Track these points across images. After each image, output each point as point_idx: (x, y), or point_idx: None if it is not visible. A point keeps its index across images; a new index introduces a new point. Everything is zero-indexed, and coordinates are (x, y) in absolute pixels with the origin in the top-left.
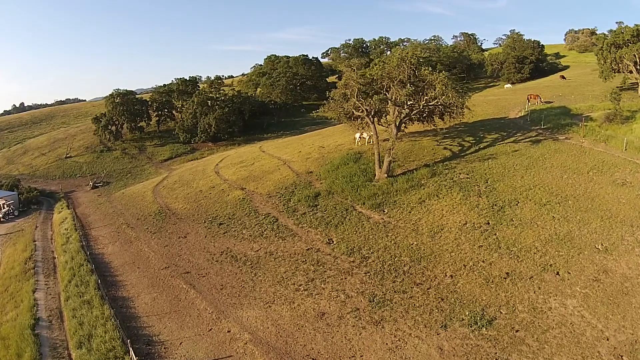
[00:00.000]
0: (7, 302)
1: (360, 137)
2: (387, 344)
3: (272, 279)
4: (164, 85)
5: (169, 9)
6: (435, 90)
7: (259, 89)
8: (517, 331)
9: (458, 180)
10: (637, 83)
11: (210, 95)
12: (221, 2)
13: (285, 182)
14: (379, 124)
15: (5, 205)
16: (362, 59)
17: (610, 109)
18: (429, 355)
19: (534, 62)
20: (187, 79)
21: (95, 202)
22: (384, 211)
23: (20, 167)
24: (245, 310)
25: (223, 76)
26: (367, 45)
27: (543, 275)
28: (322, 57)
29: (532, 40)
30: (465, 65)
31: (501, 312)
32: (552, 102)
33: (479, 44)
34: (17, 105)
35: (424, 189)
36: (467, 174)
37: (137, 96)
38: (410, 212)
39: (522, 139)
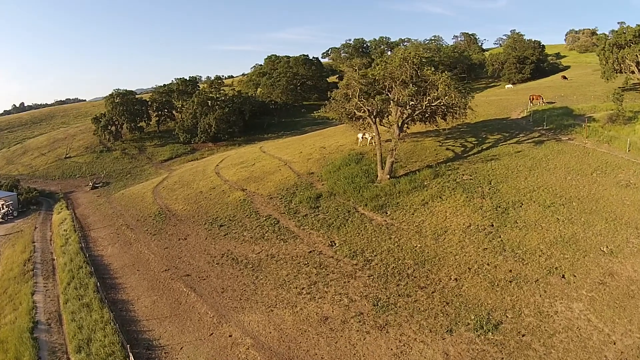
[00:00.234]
0: (5, 305)
1: (362, 138)
2: (392, 349)
3: (273, 282)
4: (164, 85)
5: (169, 8)
6: (438, 91)
7: (259, 89)
8: (523, 336)
9: (461, 181)
10: None
11: (211, 95)
12: (221, 2)
13: (287, 183)
14: (381, 125)
15: (4, 206)
16: (364, 59)
17: (612, 110)
18: None
19: (534, 62)
20: (187, 79)
21: (95, 202)
22: (386, 213)
23: (19, 167)
24: (246, 314)
25: (223, 76)
26: (367, 45)
27: (549, 279)
28: (322, 57)
29: (533, 40)
30: (465, 66)
31: (507, 316)
32: (554, 102)
33: (480, 44)
34: (17, 105)
35: (427, 190)
36: (470, 175)
37: (137, 96)
38: (413, 214)
39: (525, 140)
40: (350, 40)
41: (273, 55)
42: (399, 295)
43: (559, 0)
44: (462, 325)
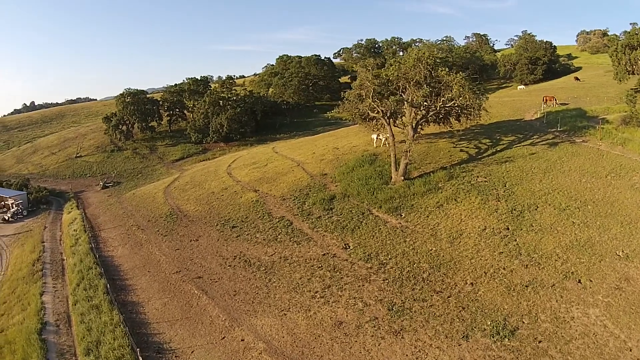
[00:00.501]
0: (14, 305)
1: (377, 138)
2: (407, 355)
3: (287, 285)
4: (175, 84)
5: (179, 9)
6: (452, 92)
7: (271, 89)
8: (540, 342)
9: (476, 183)
10: None
11: (222, 95)
12: (235, 2)
13: (300, 184)
14: (395, 126)
15: (14, 205)
16: (377, 59)
17: (626, 112)
18: None
19: (546, 63)
20: (199, 78)
21: (106, 202)
22: (401, 215)
23: (29, 167)
24: (259, 317)
25: (235, 76)
26: (379, 45)
27: (565, 284)
28: (334, 57)
29: (544, 41)
30: (477, 66)
31: (523, 322)
32: (567, 104)
33: (491, 44)
34: (28, 104)
35: (441, 192)
36: (485, 177)
37: (148, 96)
38: (428, 217)
39: (539, 142)
40: (362, 40)
41: (285, 55)
42: (414, 299)
43: (568, 1)
44: (478, 330)
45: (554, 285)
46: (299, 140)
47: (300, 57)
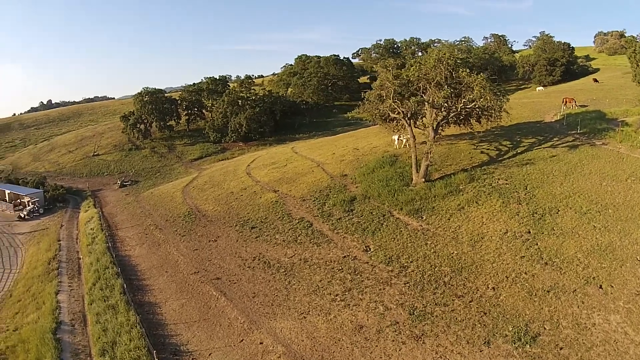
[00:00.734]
0: (28, 304)
1: (398, 139)
2: None
3: (306, 288)
4: (194, 84)
5: (197, 9)
6: (473, 93)
7: (290, 89)
8: (561, 349)
9: (497, 186)
10: None
11: (241, 94)
12: (253, 2)
13: (320, 185)
14: (415, 127)
15: (30, 203)
16: (397, 59)
17: None
18: None
19: (564, 64)
20: (217, 78)
21: (123, 201)
22: (422, 217)
23: (46, 164)
24: (278, 320)
25: (253, 75)
26: (398, 45)
27: (586, 289)
28: (352, 58)
29: (562, 42)
30: (496, 67)
31: (545, 328)
32: (586, 105)
33: (510, 45)
34: (45, 103)
35: (462, 194)
36: (506, 180)
37: (166, 95)
38: (449, 219)
39: (559, 144)
40: (380, 40)
41: (303, 55)
42: (435, 304)
43: (585, 2)
44: (499, 336)
45: (575, 290)
46: (319, 140)
47: (319, 57)
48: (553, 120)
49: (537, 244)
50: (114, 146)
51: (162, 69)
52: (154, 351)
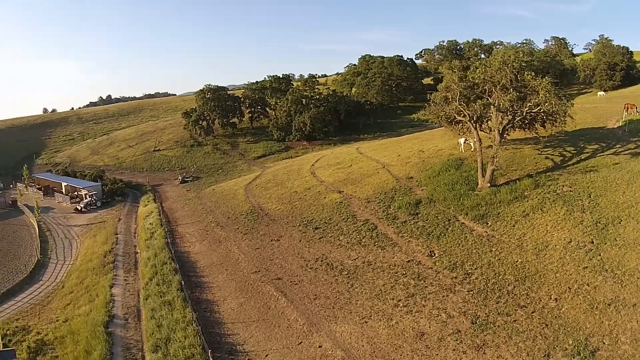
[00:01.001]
0: (81, 296)
1: (465, 143)
2: None
3: (369, 292)
4: (257, 82)
5: (257, 9)
6: (538, 97)
7: (354, 89)
8: None
9: (561, 193)
10: None
11: (305, 93)
12: (315, 2)
13: (385, 186)
14: (481, 130)
15: (87, 196)
16: (462, 61)
17: None
18: None
19: (624, 69)
20: (280, 76)
21: (184, 197)
22: (487, 223)
23: (105, 158)
24: (339, 324)
25: (317, 75)
26: (460, 47)
27: None
28: (415, 59)
29: (622, 46)
30: (558, 71)
31: (604, 343)
32: None
33: (570, 48)
34: (104, 98)
35: (527, 201)
36: (570, 187)
37: (228, 92)
38: (514, 226)
39: (622, 151)
40: (443, 41)
41: (367, 55)
42: (498, 313)
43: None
44: (559, 350)
45: (635, 305)
46: (383, 141)
47: (382, 57)
48: (615, 127)
49: (599, 255)
50: (175, 142)
51: (225, 66)
52: (209, 350)
